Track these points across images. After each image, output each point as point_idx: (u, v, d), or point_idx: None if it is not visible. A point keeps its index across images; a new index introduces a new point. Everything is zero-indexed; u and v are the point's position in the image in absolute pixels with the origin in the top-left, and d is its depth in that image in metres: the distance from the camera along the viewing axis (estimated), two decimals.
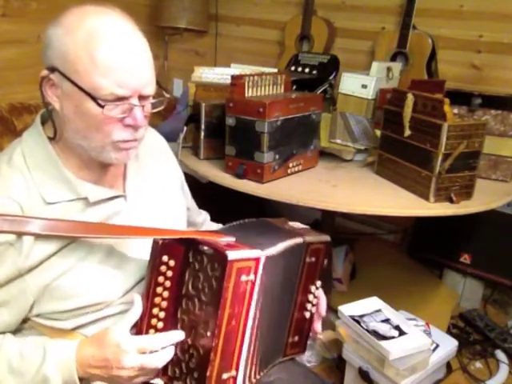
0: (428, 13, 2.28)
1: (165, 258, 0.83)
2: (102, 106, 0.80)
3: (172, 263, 0.83)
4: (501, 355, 1.91)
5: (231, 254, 0.78)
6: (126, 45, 0.81)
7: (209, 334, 0.80)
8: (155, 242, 0.83)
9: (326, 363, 1.82)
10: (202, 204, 1.30)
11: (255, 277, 0.83)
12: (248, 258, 0.82)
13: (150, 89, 0.85)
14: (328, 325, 1.75)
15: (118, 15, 0.83)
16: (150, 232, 0.87)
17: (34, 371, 0.80)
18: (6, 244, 0.80)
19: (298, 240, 0.94)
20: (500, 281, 2.14)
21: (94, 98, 0.80)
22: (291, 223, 1.06)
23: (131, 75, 0.81)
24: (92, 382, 0.84)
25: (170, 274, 0.83)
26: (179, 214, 1.09)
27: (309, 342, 1.06)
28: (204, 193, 1.39)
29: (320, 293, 1.03)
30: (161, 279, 0.83)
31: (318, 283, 1.02)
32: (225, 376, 0.83)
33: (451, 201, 1.44)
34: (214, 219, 1.32)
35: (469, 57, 2.27)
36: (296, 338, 1.02)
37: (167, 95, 0.92)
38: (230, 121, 1.50)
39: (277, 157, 1.52)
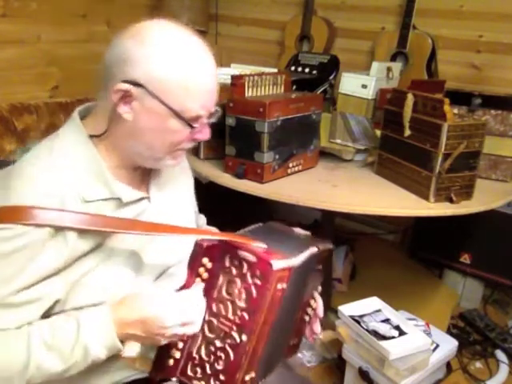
0: (428, 13, 2.28)
1: (205, 261, 0.84)
2: (193, 127, 0.86)
3: (209, 265, 0.84)
4: (501, 355, 1.91)
5: (276, 264, 0.78)
6: (210, 69, 0.87)
7: (244, 338, 0.80)
8: (198, 245, 0.84)
9: (326, 363, 1.82)
10: (202, 204, 1.29)
11: (287, 285, 0.83)
12: (286, 268, 0.81)
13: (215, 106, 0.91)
14: (328, 325, 1.75)
15: (197, 38, 0.87)
16: (185, 231, 0.94)
17: (71, 344, 0.80)
18: (48, 236, 0.80)
19: (314, 249, 0.93)
20: (500, 281, 2.14)
21: (183, 119, 0.85)
22: (295, 230, 1.05)
23: (212, 97, 0.88)
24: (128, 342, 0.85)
25: (205, 275, 0.84)
26: (191, 217, 1.12)
27: (309, 342, 1.07)
28: (204, 193, 1.39)
29: (318, 295, 1.04)
30: (197, 280, 0.85)
31: (319, 288, 1.03)
32: (247, 378, 0.83)
33: (451, 201, 1.44)
34: (214, 219, 1.31)
35: (469, 57, 2.27)
36: (296, 340, 1.03)
37: (219, 109, 0.96)
38: (230, 121, 1.50)
39: (277, 157, 1.52)
